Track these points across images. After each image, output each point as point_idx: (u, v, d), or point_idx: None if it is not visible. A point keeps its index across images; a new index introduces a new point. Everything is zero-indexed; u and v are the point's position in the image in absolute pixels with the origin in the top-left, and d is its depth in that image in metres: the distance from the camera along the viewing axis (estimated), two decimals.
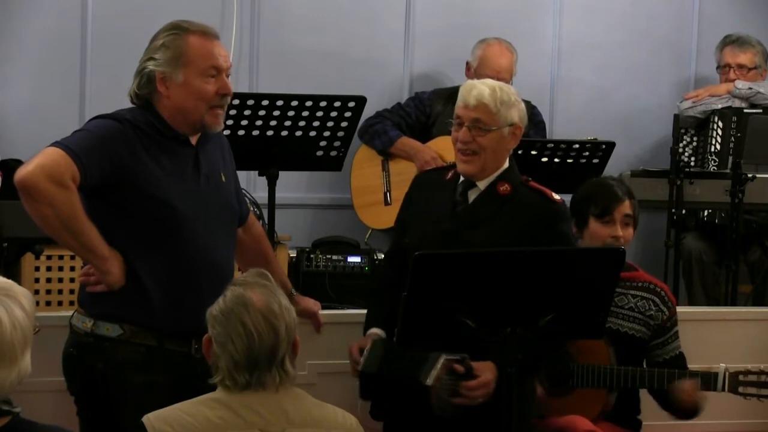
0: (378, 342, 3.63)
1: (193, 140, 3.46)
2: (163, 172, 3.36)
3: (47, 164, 3.20)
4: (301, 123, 4.65)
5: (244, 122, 4.57)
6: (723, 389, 3.93)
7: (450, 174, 3.81)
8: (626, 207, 4.07)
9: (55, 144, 3.27)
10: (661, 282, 4.21)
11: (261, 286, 2.87)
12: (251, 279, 2.90)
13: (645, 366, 4.07)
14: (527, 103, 6.19)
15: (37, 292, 5.10)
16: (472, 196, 3.75)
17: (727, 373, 3.93)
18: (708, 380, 3.93)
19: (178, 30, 3.40)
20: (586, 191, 4.14)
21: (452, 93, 6.19)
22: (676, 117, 5.73)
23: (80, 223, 3.25)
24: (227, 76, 3.44)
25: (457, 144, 3.74)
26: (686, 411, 3.98)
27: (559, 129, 6.59)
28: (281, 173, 4.72)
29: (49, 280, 5.20)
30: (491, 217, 3.72)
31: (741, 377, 3.93)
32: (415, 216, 3.81)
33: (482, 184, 3.76)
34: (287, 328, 2.83)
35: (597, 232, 4.06)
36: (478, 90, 3.74)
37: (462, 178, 3.77)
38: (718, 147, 6.18)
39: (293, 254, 5.68)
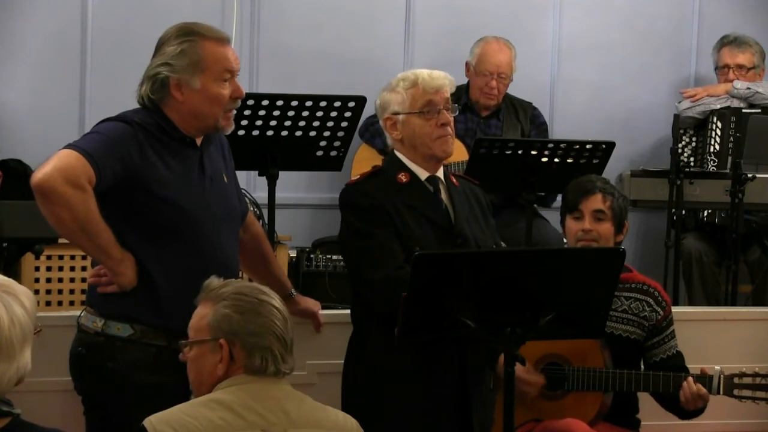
0: None
1: (198, 141, 3.48)
2: (171, 173, 3.38)
3: (64, 167, 3.20)
4: (301, 123, 4.65)
5: (244, 122, 4.57)
6: (718, 392, 3.92)
7: (404, 178, 3.70)
8: (596, 201, 4.03)
9: (70, 146, 3.28)
10: (655, 282, 4.20)
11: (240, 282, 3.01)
12: (226, 281, 2.97)
13: (642, 367, 4.07)
14: (529, 105, 6.24)
15: (37, 292, 5.11)
16: (443, 192, 3.74)
17: (722, 376, 3.92)
18: (703, 383, 3.92)
19: (194, 36, 3.40)
20: (565, 190, 4.14)
21: (452, 93, 6.23)
22: (676, 117, 5.72)
23: (96, 225, 3.26)
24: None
25: (435, 130, 3.67)
26: (694, 410, 3.97)
27: (559, 129, 6.59)
28: (281, 173, 4.72)
29: (49, 280, 5.20)
30: (469, 211, 3.75)
31: (736, 380, 3.92)
32: (407, 225, 3.64)
33: (441, 176, 3.75)
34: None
35: (570, 227, 4.06)
36: (437, 72, 3.73)
37: (425, 176, 3.71)
38: (717, 147, 6.18)
39: (293, 254, 5.68)
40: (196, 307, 2.96)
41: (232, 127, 3.51)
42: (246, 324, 2.86)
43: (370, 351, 3.66)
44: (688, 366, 4.08)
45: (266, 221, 4.89)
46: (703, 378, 3.93)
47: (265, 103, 4.58)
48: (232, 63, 3.43)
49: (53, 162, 3.22)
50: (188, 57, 3.38)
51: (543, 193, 5.42)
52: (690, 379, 3.91)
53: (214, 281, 2.98)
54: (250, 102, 4.55)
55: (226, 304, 2.89)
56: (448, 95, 3.72)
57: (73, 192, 3.20)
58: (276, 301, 2.92)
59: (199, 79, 3.38)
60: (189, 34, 3.41)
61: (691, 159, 6.29)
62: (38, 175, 3.20)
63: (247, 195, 4.94)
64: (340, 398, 3.69)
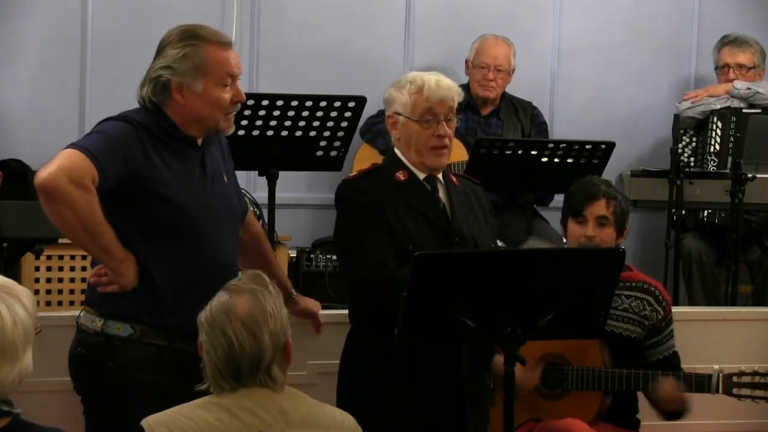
0: None
1: (198, 142, 3.48)
2: (173, 174, 3.38)
3: (68, 166, 3.20)
4: (301, 123, 4.65)
5: (244, 122, 4.57)
6: (717, 391, 3.92)
7: (402, 176, 3.70)
8: (600, 207, 4.02)
9: (73, 146, 3.27)
10: (656, 281, 4.20)
11: (249, 291, 2.87)
12: (242, 284, 2.91)
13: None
14: (529, 104, 6.24)
15: (37, 292, 5.11)
16: (441, 191, 3.73)
17: (720, 375, 3.92)
18: (702, 382, 3.92)
19: (197, 39, 3.40)
20: (568, 191, 4.14)
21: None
22: (676, 117, 5.72)
23: (99, 225, 3.26)
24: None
25: (431, 140, 3.66)
26: (670, 412, 3.97)
27: (559, 128, 6.59)
28: (281, 173, 4.72)
29: (49, 280, 5.20)
30: (468, 210, 3.75)
31: (735, 379, 3.92)
32: (403, 223, 3.63)
33: (440, 176, 3.75)
34: (272, 336, 2.83)
35: (572, 231, 4.06)
36: (444, 82, 3.70)
37: (423, 175, 3.71)
38: (717, 147, 6.18)
39: (293, 254, 5.68)
40: (196, 306, 2.95)
41: (233, 128, 3.52)
42: (204, 336, 2.86)
43: (365, 349, 3.66)
44: (687, 366, 4.08)
45: (266, 221, 4.89)
46: (702, 378, 3.93)
47: (265, 103, 4.58)
48: (233, 68, 3.43)
49: (57, 161, 3.21)
50: (190, 61, 3.37)
51: (539, 193, 5.42)
52: (662, 379, 3.91)
53: (242, 276, 2.96)
54: (250, 102, 4.55)
55: (208, 306, 2.90)
56: (453, 105, 3.69)
57: (78, 192, 3.20)
58: (233, 324, 2.81)
59: (201, 83, 3.38)
60: (192, 37, 3.41)
61: (691, 159, 6.29)
62: (42, 175, 3.20)
63: (247, 195, 4.94)
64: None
